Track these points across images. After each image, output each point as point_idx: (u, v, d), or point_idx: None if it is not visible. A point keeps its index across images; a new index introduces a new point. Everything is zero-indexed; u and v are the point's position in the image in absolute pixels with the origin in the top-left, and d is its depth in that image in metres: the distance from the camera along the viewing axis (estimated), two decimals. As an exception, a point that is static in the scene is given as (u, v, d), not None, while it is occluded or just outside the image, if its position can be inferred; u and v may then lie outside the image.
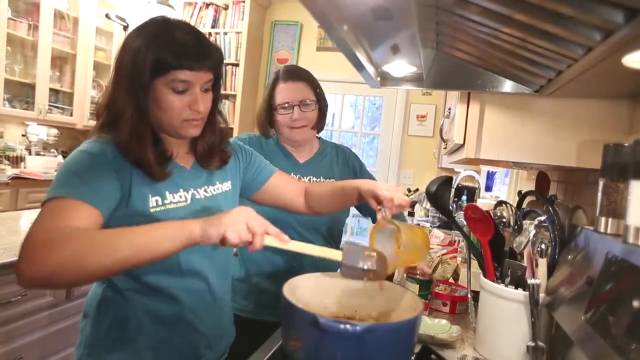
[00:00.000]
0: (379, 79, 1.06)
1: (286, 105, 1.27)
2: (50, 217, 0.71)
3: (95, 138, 0.84)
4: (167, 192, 0.87)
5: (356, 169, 1.45)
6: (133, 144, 0.82)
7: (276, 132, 1.36)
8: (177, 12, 3.84)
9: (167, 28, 0.83)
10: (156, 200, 0.85)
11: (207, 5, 4.14)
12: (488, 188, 3.15)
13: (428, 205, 3.04)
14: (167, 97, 0.83)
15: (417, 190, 3.74)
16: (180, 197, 0.89)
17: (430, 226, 2.36)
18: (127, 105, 0.82)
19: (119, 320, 0.87)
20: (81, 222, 0.72)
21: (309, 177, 1.34)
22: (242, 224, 0.73)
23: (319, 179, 1.35)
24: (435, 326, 1.09)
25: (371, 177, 1.45)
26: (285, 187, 1.12)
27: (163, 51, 0.80)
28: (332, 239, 1.40)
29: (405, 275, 1.27)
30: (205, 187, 0.96)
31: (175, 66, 0.81)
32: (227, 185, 1.01)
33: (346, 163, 1.43)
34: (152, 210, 0.84)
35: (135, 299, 0.87)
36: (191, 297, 0.91)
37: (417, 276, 1.24)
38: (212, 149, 0.97)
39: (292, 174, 1.32)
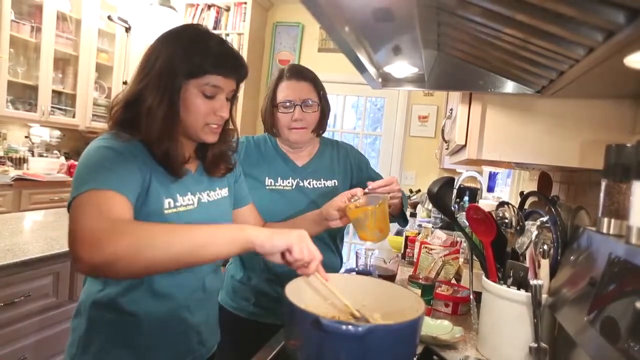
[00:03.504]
0: (380, 80, 1.06)
1: (287, 103, 1.23)
2: (96, 208, 0.72)
3: (112, 135, 0.85)
4: (178, 195, 0.89)
5: (361, 166, 1.40)
6: (164, 139, 0.85)
7: (276, 132, 1.31)
8: (179, 14, 3.85)
9: (204, 36, 0.88)
10: (169, 203, 0.87)
11: (209, 6, 4.15)
12: (490, 189, 3.15)
13: (430, 206, 3.04)
14: (196, 99, 0.87)
15: (419, 191, 3.74)
16: (189, 200, 0.92)
17: (433, 227, 2.35)
18: (160, 104, 0.84)
19: (115, 319, 0.88)
20: (121, 211, 0.74)
21: (308, 181, 1.31)
22: (309, 244, 0.78)
23: (319, 182, 1.32)
24: (437, 327, 1.08)
25: (377, 176, 1.39)
26: (249, 222, 1.13)
27: (202, 56, 0.85)
28: (334, 243, 1.39)
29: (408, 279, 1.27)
30: (208, 191, 0.98)
31: (212, 71, 0.86)
32: (225, 192, 1.04)
33: (347, 161, 1.39)
34: (165, 212, 0.86)
35: (132, 297, 0.88)
36: (187, 294, 0.93)
37: (420, 281, 1.24)
38: (221, 157, 1.00)
39: (290, 178, 1.29)
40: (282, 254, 0.77)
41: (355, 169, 1.39)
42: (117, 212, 0.73)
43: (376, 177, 1.38)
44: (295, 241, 0.76)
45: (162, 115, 0.84)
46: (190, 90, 0.86)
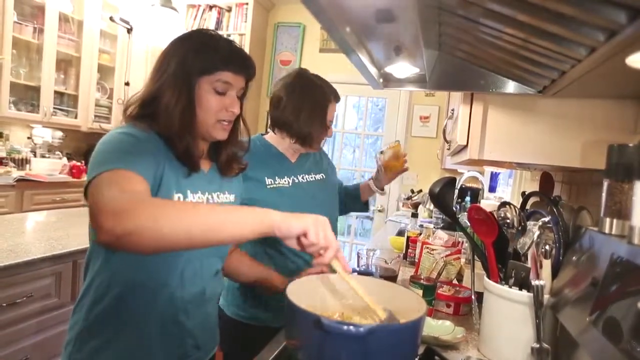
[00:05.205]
0: (381, 80, 1.06)
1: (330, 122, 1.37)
2: (119, 183, 0.73)
3: (129, 125, 0.88)
4: (188, 191, 0.91)
5: (330, 166, 1.55)
6: (186, 134, 0.89)
7: (310, 144, 1.34)
8: (181, 15, 3.86)
9: (214, 37, 0.92)
10: (178, 198, 0.88)
11: (211, 7, 4.16)
12: (492, 189, 3.14)
13: (431, 207, 3.03)
14: (208, 95, 0.90)
15: (421, 191, 3.73)
16: (199, 198, 0.93)
17: (434, 227, 2.35)
18: (178, 101, 0.88)
19: (113, 319, 0.88)
20: (142, 190, 0.75)
21: (302, 176, 1.38)
22: (326, 230, 0.75)
23: (310, 176, 1.41)
24: (439, 327, 1.08)
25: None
26: None
27: (212, 54, 0.89)
28: None
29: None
30: (218, 193, 1.00)
31: (222, 68, 0.89)
32: (232, 197, 1.05)
33: (324, 159, 1.53)
34: None
35: (132, 298, 0.88)
36: (186, 299, 0.93)
37: (421, 281, 1.23)
38: (234, 158, 1.03)
39: (286, 176, 1.34)
40: (298, 239, 0.76)
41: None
42: (138, 189, 0.74)
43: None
44: (310, 224, 0.75)
45: (180, 111, 0.87)
46: (202, 87, 0.89)
